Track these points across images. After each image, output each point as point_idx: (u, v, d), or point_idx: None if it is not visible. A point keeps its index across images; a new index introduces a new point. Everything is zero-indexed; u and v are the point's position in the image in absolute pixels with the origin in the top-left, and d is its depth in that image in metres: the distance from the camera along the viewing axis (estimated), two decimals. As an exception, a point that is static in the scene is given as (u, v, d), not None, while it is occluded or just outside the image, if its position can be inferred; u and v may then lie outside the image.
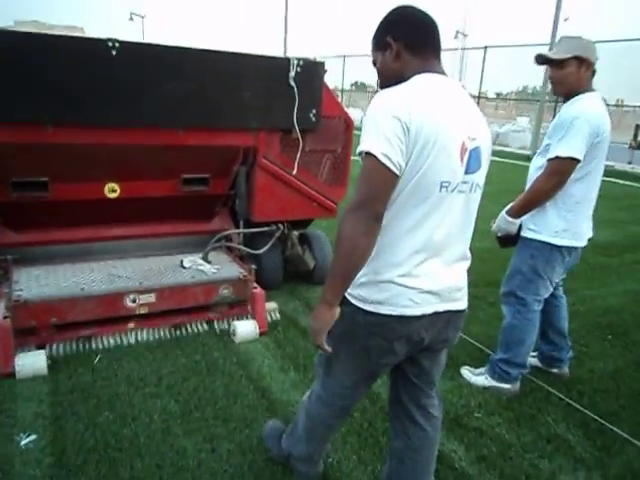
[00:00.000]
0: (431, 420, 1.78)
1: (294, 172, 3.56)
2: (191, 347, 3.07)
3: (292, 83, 3.35)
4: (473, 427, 2.51)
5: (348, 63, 24.51)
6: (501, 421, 2.58)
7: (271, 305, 3.53)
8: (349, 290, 1.51)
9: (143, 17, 36.69)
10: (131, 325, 3.10)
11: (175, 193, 3.53)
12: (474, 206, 1.58)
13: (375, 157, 1.36)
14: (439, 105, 1.43)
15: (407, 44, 1.53)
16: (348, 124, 3.75)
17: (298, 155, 3.53)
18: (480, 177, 1.55)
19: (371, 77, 22.14)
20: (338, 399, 1.77)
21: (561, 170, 2.41)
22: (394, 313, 1.49)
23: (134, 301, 3.02)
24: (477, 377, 2.87)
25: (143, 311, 3.07)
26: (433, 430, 1.79)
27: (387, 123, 1.37)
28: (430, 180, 1.43)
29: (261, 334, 3.24)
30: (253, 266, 3.37)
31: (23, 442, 2.20)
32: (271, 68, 3.30)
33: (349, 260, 1.40)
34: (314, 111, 3.51)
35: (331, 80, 24.40)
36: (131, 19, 35.71)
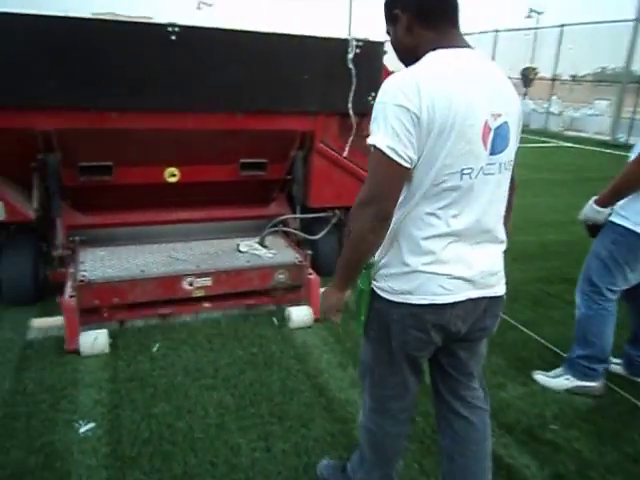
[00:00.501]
0: (475, 411, 1.67)
1: (344, 155, 3.48)
2: (248, 339, 3.02)
3: (350, 65, 3.26)
4: (548, 440, 2.29)
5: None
6: (580, 435, 2.34)
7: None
8: (378, 283, 1.48)
9: (210, 5, 37.40)
10: (190, 308, 3.16)
11: (233, 178, 3.55)
12: (504, 185, 1.48)
13: (382, 151, 1.29)
14: (455, 86, 1.31)
15: (418, 15, 1.40)
16: (409, 107, 3.62)
17: (350, 139, 3.45)
18: (509, 155, 1.44)
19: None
20: (392, 402, 1.67)
21: None
22: (425, 302, 1.42)
23: (191, 284, 3.07)
24: (556, 380, 2.63)
25: (200, 294, 3.12)
26: (480, 422, 1.68)
27: (395, 113, 1.28)
28: (449, 170, 1.34)
29: (316, 320, 3.21)
30: (309, 252, 3.35)
31: (82, 429, 2.23)
32: (329, 50, 3.24)
33: (356, 253, 1.43)
34: (373, 94, 3.40)
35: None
36: (199, 8, 36.51)
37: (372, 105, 3.62)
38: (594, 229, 2.49)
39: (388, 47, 3.44)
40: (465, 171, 1.35)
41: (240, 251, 3.39)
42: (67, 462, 2.05)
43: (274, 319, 3.23)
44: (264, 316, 3.28)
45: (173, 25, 2.88)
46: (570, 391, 2.58)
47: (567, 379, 2.59)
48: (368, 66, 3.33)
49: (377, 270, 1.48)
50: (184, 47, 2.93)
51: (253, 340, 3.01)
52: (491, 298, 1.50)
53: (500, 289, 1.53)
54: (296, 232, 3.66)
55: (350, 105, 3.34)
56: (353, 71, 3.28)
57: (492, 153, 1.38)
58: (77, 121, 2.91)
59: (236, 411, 2.40)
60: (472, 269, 1.43)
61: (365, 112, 3.44)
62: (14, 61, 2.68)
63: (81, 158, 3.13)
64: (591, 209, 2.42)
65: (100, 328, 2.86)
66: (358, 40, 3.26)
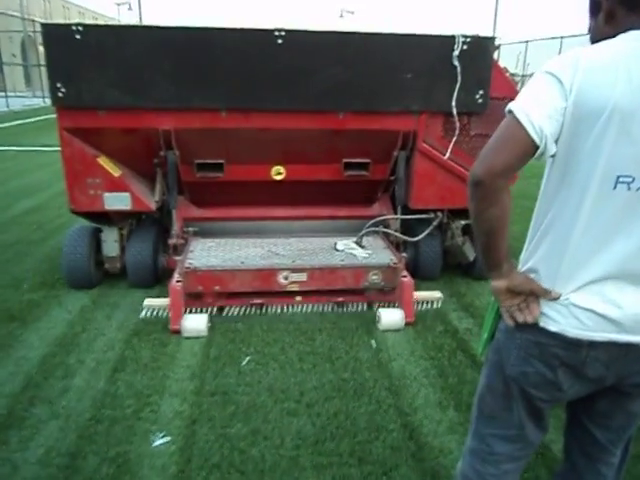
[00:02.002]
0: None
1: (446, 156, 3.36)
2: (342, 361, 2.81)
3: (455, 62, 3.16)
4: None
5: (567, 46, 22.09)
6: None
7: (435, 294, 3.41)
8: None
9: (352, 13, 38.25)
10: (283, 300, 3.29)
11: (337, 177, 3.61)
12: None
13: (514, 115, 1.09)
14: (628, 69, 1.05)
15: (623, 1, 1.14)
16: (522, 106, 3.39)
17: (454, 139, 3.32)
18: None
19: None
20: (499, 444, 1.37)
21: None
22: (554, 329, 1.19)
23: (286, 278, 3.19)
24: None
25: (294, 288, 3.23)
26: None
27: (544, 82, 1.10)
28: (596, 172, 1.08)
29: (407, 324, 3.15)
30: (404, 254, 3.30)
31: (156, 443, 2.18)
32: (434, 47, 3.16)
33: (480, 234, 1.21)
34: (481, 92, 3.26)
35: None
36: (341, 16, 37.55)
37: (480, 104, 3.51)
38: None
39: (499, 42, 3.30)
40: (623, 179, 1.07)
41: (337, 250, 3.44)
42: (135, 476, 2.01)
43: (372, 342, 3.00)
44: (362, 336, 3.07)
45: (280, 30, 3.02)
46: None
47: None
48: (475, 63, 3.20)
49: None
50: (290, 50, 3.06)
51: (347, 363, 2.80)
52: None
53: None
54: (393, 233, 3.62)
55: (454, 104, 3.23)
56: (458, 69, 3.17)
57: None
58: (192, 121, 3.18)
59: (314, 444, 2.20)
60: (622, 309, 1.17)
61: (472, 111, 3.32)
62: (141, 68, 3.01)
63: (197, 155, 3.41)
64: None
65: (201, 313, 3.10)
66: (465, 36, 3.14)
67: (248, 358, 2.82)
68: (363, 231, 3.52)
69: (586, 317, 1.17)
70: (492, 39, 3.23)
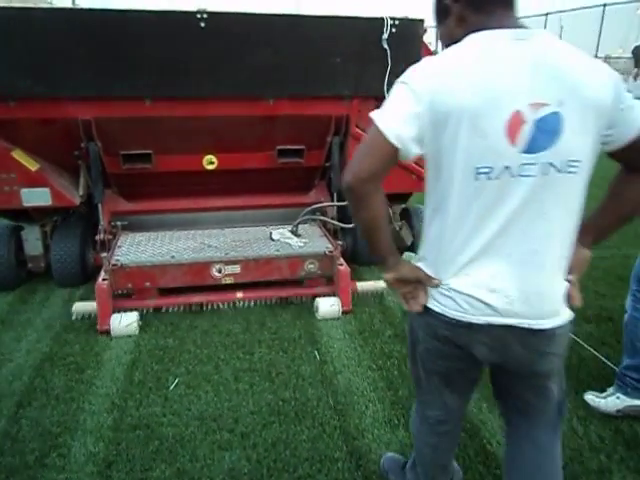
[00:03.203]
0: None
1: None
2: (282, 377, 2.55)
3: (385, 45, 3.11)
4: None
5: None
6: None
7: (380, 284, 3.34)
8: None
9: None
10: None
11: (271, 165, 3.52)
12: (560, 192, 1.19)
13: (375, 123, 1.18)
14: (473, 71, 1.13)
15: (471, 1, 1.22)
16: (453, 89, 3.40)
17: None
18: (566, 153, 1.16)
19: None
20: (428, 409, 1.55)
21: None
22: (437, 310, 1.30)
23: (220, 271, 3.10)
24: (607, 400, 2.26)
25: (229, 281, 3.14)
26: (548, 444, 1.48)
27: (399, 91, 1.19)
28: (457, 166, 1.17)
29: (344, 313, 3.12)
30: (340, 242, 3.26)
31: None
32: (363, 30, 3.10)
33: (361, 232, 1.35)
34: (412, 75, 3.23)
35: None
36: None
37: None
38: None
39: (427, 25, 3.29)
40: (481, 170, 1.15)
41: (272, 239, 3.37)
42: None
43: (316, 352, 2.77)
44: (306, 345, 2.83)
45: (202, 12, 2.89)
46: (621, 412, 2.24)
47: (617, 398, 2.25)
48: (405, 46, 3.16)
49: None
50: (213, 33, 2.93)
51: (288, 380, 2.54)
52: (528, 330, 1.25)
53: (548, 321, 1.25)
54: (329, 220, 3.58)
55: (386, 88, 3.19)
56: (388, 52, 3.13)
57: (528, 151, 1.14)
58: (113, 110, 3.01)
59: (248, 483, 1.94)
60: (495, 293, 1.23)
61: (404, 95, 3.29)
62: (54, 54, 2.81)
63: (121, 146, 3.24)
64: None
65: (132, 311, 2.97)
66: (393, 19, 3.10)
67: (177, 381, 2.51)
68: (298, 219, 3.46)
69: (463, 301, 1.26)
70: (421, 21, 3.20)
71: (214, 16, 2.90)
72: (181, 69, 2.96)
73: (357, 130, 3.34)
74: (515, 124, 1.13)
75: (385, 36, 3.11)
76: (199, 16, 2.88)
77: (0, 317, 3.12)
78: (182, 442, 2.12)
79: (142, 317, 3.01)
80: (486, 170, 1.16)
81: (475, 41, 1.17)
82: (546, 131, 1.14)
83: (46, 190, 3.13)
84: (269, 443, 2.12)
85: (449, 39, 1.27)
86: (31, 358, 2.70)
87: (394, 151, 1.18)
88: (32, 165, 3.10)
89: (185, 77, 2.98)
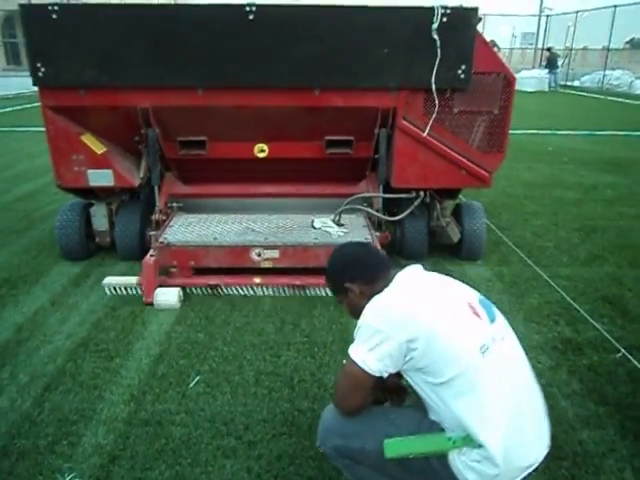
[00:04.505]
0: None
1: (425, 133, 3.25)
2: (304, 385, 2.44)
3: (435, 36, 3.03)
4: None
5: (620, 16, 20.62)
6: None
7: None
8: (460, 467, 1.42)
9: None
10: (257, 280, 3.26)
11: (320, 155, 3.57)
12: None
13: (354, 362, 1.45)
14: (427, 300, 1.49)
15: (365, 280, 1.58)
16: (509, 81, 3.24)
17: (433, 116, 3.21)
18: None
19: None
20: None
21: None
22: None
23: (259, 255, 3.22)
24: None
25: (268, 265, 3.26)
26: None
27: (369, 332, 1.45)
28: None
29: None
30: (376, 233, 3.25)
31: None
32: (412, 20, 3.05)
33: None
34: (463, 67, 3.13)
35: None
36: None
37: (462, 79, 3.46)
38: None
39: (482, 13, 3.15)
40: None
41: (314, 227, 3.43)
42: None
43: (344, 361, 2.72)
44: (336, 353, 2.68)
45: (251, 5, 2.99)
46: None
47: None
48: (456, 36, 3.07)
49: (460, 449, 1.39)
50: (261, 25, 3.02)
51: (309, 388, 2.42)
52: None
53: None
54: (371, 211, 3.57)
55: (433, 80, 3.12)
56: (438, 42, 3.05)
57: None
58: (168, 99, 3.21)
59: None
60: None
61: (454, 87, 3.20)
62: (115, 46, 3.06)
63: (178, 133, 3.46)
64: None
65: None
66: (445, 8, 3.01)
67: (197, 378, 2.49)
68: (340, 209, 3.49)
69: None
70: (475, 10, 3.08)
71: (262, 8, 2.99)
72: (230, 60, 3.09)
73: (404, 123, 3.30)
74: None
75: (435, 26, 3.03)
76: (248, 9, 2.99)
77: (68, 283, 3.46)
78: (188, 444, 2.09)
79: (180, 308, 3.09)
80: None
81: (404, 280, 1.54)
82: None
83: (109, 172, 3.42)
84: (274, 456, 2.03)
85: (359, 306, 1.54)
86: (69, 341, 2.79)
87: (377, 379, 1.45)
88: (98, 148, 3.40)
89: (234, 68, 3.12)
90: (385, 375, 1.44)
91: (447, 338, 1.39)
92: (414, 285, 1.53)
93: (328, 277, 1.71)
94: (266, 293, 3.26)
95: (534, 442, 1.44)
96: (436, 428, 1.45)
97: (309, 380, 2.48)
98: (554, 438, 1.90)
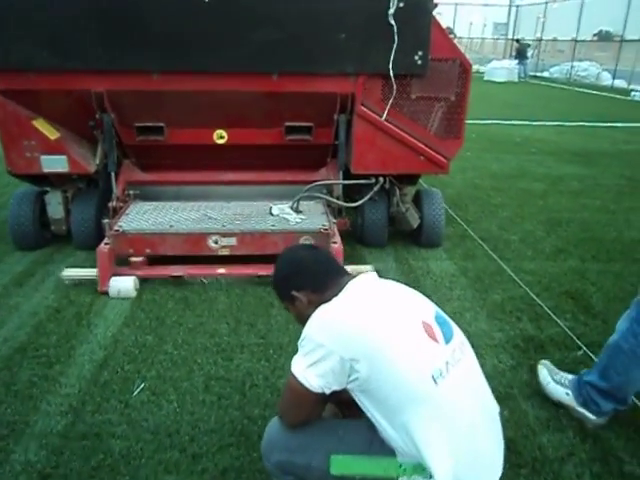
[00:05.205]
0: None
1: (382, 118, 3.26)
2: (255, 391, 2.30)
3: (391, 21, 3.03)
4: None
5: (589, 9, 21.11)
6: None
7: (365, 267, 3.29)
8: None
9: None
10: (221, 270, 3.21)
11: (280, 142, 3.55)
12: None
13: (297, 379, 1.37)
14: (376, 313, 1.42)
15: (314, 289, 1.52)
16: (465, 68, 3.27)
17: (390, 101, 3.22)
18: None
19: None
20: None
21: None
22: None
23: (216, 242, 3.19)
24: (556, 386, 2.21)
25: (225, 253, 3.23)
26: None
27: (311, 347, 1.37)
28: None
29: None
30: (333, 220, 3.26)
31: None
32: (368, 5, 3.04)
33: None
34: (420, 53, 3.13)
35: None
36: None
37: (419, 65, 3.44)
38: None
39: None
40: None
41: (272, 214, 3.42)
42: None
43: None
44: (293, 355, 2.37)
45: (205, -13, 2.94)
46: (561, 406, 2.18)
47: (567, 394, 2.16)
48: (413, 22, 3.07)
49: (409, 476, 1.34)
50: (218, 8, 2.97)
51: (262, 394, 2.29)
52: None
53: None
54: (328, 198, 3.57)
55: (390, 65, 3.12)
56: (395, 28, 3.05)
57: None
58: (123, 83, 3.14)
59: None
60: None
61: (411, 73, 3.20)
62: (67, 27, 2.97)
63: (135, 119, 3.39)
64: None
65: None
66: (401, -7, 3.01)
67: (142, 385, 2.32)
68: (298, 196, 3.48)
69: None
70: (430, -4, 3.09)
71: (217, -10, 2.95)
72: (185, 44, 3.04)
73: (362, 108, 3.30)
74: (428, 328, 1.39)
75: (391, 11, 3.02)
76: (203, -9, 2.94)
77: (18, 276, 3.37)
78: (127, 458, 1.93)
79: (130, 309, 2.93)
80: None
81: (354, 292, 1.46)
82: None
83: (63, 157, 3.34)
84: (219, 470, 1.89)
85: (303, 317, 1.48)
86: (5, 347, 2.58)
87: (321, 395, 1.37)
88: (52, 134, 3.31)
89: (189, 52, 3.06)
90: (327, 392, 1.37)
91: (395, 363, 1.30)
92: (365, 297, 1.44)
93: (274, 284, 1.64)
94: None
95: (487, 470, 1.38)
96: (387, 450, 1.36)
97: (262, 385, 2.35)
98: (513, 443, 1.97)
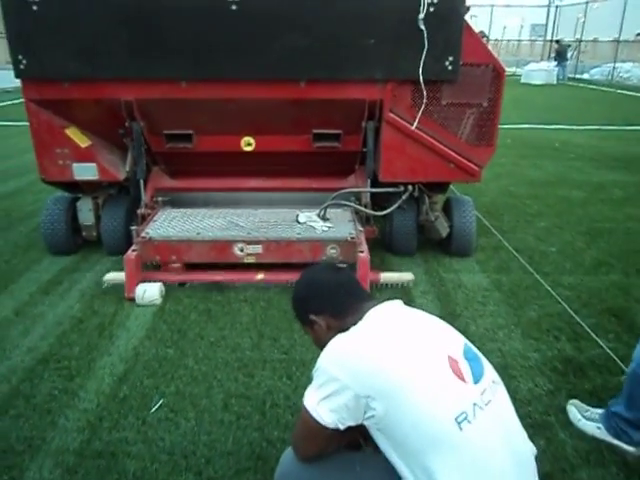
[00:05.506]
0: None
1: (413, 127, 3.18)
2: (276, 411, 2.22)
3: (421, 26, 2.96)
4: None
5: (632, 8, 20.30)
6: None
7: (406, 276, 3.26)
8: None
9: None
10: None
11: (308, 149, 3.52)
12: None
13: (309, 413, 1.30)
14: (395, 349, 1.30)
15: (332, 313, 1.45)
16: (498, 73, 3.17)
17: (421, 109, 3.14)
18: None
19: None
20: None
21: None
22: None
23: (242, 250, 3.18)
24: (586, 422, 2.08)
25: (251, 260, 3.21)
26: None
27: (324, 381, 1.30)
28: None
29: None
30: (361, 228, 3.20)
31: None
32: (397, 10, 2.97)
33: None
34: (451, 58, 3.05)
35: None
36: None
37: (450, 71, 3.22)
38: None
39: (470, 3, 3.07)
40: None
41: (298, 222, 3.38)
42: None
43: None
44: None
45: (233, -5, 2.93)
46: (596, 441, 2.04)
47: (598, 428, 2.04)
48: (444, 27, 2.99)
49: None
50: (245, 16, 2.97)
51: (282, 414, 2.19)
52: None
53: None
54: (357, 207, 3.51)
55: (420, 71, 3.05)
56: (425, 33, 2.98)
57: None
58: (152, 91, 3.17)
59: None
60: None
61: (442, 79, 3.13)
62: (97, 38, 3.01)
63: (164, 126, 3.42)
64: None
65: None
66: (432, -3, 2.93)
67: (161, 402, 2.26)
68: (326, 204, 3.43)
69: None
70: (462, 0, 3.00)
71: (245, -1, 2.94)
72: (213, 52, 3.04)
73: (391, 115, 3.23)
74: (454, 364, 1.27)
75: (421, 16, 2.95)
76: (230, -1, 2.93)
77: (52, 279, 3.43)
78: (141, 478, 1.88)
79: (152, 320, 2.91)
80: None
81: (374, 324, 1.36)
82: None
83: (93, 165, 3.39)
84: None
85: (326, 339, 1.38)
86: (29, 357, 2.57)
87: (335, 430, 1.28)
88: (83, 142, 3.37)
89: (217, 60, 3.06)
90: (342, 427, 1.27)
91: (414, 404, 1.20)
92: (386, 328, 1.34)
93: (292, 305, 1.56)
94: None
95: None
96: None
97: (282, 405, 2.25)
98: (550, 479, 1.84)
